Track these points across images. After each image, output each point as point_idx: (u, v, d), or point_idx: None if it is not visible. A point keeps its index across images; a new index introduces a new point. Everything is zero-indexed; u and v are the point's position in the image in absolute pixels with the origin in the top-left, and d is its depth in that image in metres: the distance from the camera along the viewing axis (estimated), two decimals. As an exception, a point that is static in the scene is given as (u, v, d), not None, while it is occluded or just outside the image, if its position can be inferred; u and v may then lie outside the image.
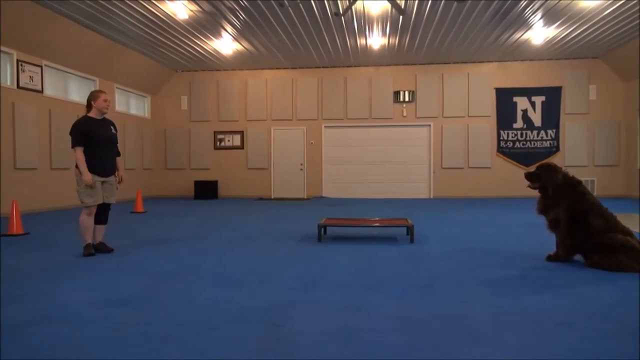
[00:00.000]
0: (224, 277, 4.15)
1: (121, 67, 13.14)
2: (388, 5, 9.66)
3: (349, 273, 4.31)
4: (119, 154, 5.42)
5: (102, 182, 5.20)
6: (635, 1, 9.33)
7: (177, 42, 12.17)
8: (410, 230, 6.12)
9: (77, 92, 12.01)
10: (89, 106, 5.22)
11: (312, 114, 15.06)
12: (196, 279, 4.09)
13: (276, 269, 4.51)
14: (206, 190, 14.86)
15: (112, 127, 5.31)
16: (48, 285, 3.90)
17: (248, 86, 15.34)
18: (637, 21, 10.49)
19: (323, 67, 14.98)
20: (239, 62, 14.41)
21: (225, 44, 12.39)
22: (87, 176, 4.98)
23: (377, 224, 6.54)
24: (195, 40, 12.09)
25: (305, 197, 14.99)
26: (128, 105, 14.44)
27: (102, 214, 5.33)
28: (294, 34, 11.54)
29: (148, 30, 11.13)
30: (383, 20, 10.62)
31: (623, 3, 9.45)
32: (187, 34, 11.54)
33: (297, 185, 15.14)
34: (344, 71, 14.99)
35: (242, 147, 15.40)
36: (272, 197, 15.08)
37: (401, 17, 10.30)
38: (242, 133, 15.40)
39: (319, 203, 12.93)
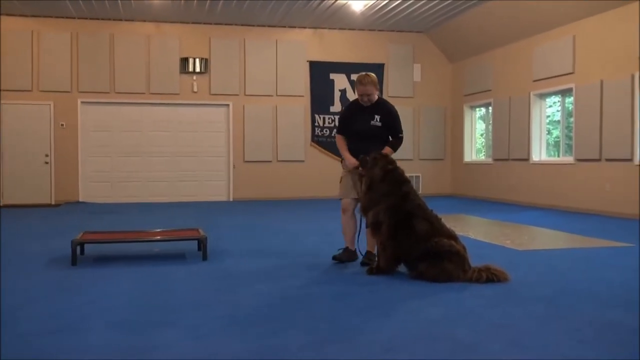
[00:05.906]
0: None
1: None
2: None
3: (123, 305, 4.24)
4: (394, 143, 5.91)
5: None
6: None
7: None
8: (202, 243, 6.21)
9: None
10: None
11: (62, 84, 14.15)
12: None
13: (15, 308, 4.19)
14: None
15: (376, 117, 5.92)
16: None
17: (-40, 38, 13.74)
18: (463, -7, 12.21)
19: (80, 19, 14.16)
20: (-56, 1, 12.78)
21: None
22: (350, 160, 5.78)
23: (158, 237, 6.46)
24: None
25: (52, 202, 14.10)
26: None
27: None
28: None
29: None
30: (166, -39, 10.51)
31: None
32: None
33: (41, 185, 14.15)
34: (110, 26, 14.39)
35: (-50, 129, 13.75)
36: (1, 203, 13.80)
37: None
38: (-50, 108, 13.74)
39: (74, 211, 12.32)
